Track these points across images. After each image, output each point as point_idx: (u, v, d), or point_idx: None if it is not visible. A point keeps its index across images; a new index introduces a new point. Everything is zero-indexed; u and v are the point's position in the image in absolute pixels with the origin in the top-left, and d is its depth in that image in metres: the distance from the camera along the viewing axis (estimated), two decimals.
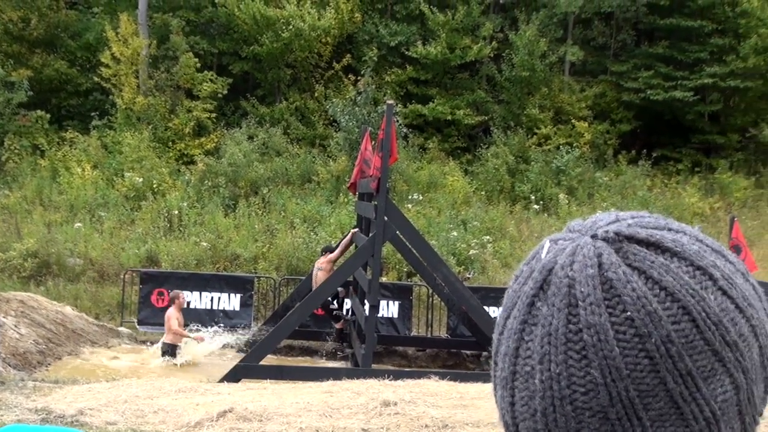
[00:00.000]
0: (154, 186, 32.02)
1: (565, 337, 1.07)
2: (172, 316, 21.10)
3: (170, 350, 21.09)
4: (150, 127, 35.16)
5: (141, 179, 32.09)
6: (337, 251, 22.52)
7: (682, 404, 1.04)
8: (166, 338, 21.24)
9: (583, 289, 1.06)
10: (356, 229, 22.34)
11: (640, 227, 1.11)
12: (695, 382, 1.04)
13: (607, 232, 1.10)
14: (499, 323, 1.19)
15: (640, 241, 1.09)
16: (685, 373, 1.03)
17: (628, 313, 1.04)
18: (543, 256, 1.14)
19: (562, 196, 33.95)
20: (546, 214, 33.42)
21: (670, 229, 1.12)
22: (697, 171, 37.28)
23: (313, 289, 21.22)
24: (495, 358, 1.19)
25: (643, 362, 1.03)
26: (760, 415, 1.12)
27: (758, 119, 38.48)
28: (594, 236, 1.11)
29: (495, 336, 1.20)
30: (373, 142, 21.99)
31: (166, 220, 30.19)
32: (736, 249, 23.15)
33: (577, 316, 1.06)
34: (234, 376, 17.68)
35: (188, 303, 24.27)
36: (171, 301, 21.88)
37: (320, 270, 22.19)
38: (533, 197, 34.09)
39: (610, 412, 1.04)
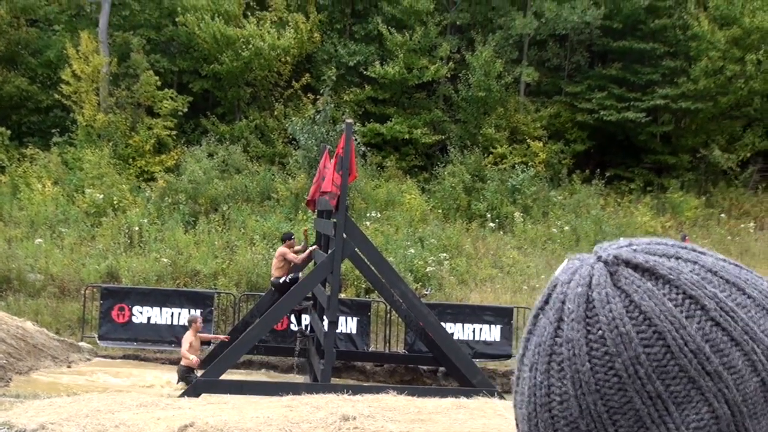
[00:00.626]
0: (115, 202, 31.87)
1: (550, 348, 1.11)
2: (186, 339, 20.80)
3: (187, 373, 20.81)
4: (110, 144, 35.01)
5: (102, 196, 31.92)
6: (296, 258, 22.36)
7: (649, 425, 1.05)
8: (182, 362, 20.95)
9: (570, 306, 1.11)
10: (314, 247, 22.32)
11: (643, 253, 1.13)
12: (665, 406, 1.05)
13: (609, 254, 1.13)
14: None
15: (635, 266, 1.11)
16: (654, 395, 1.05)
17: (601, 332, 1.07)
18: (557, 272, 1.18)
19: (517, 214, 34.14)
20: (502, 232, 33.58)
21: (678, 258, 1.12)
22: (649, 190, 37.63)
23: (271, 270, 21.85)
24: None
25: (612, 380, 1.06)
26: None
27: (708, 140, 38.82)
28: (599, 258, 1.14)
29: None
30: (331, 160, 22.10)
31: (127, 236, 30.06)
32: None
33: (561, 330, 1.11)
34: (194, 390, 17.66)
35: (148, 318, 24.27)
36: (189, 324, 21.47)
37: (276, 258, 22.29)
38: (489, 215, 34.23)
39: (581, 424, 1.07)
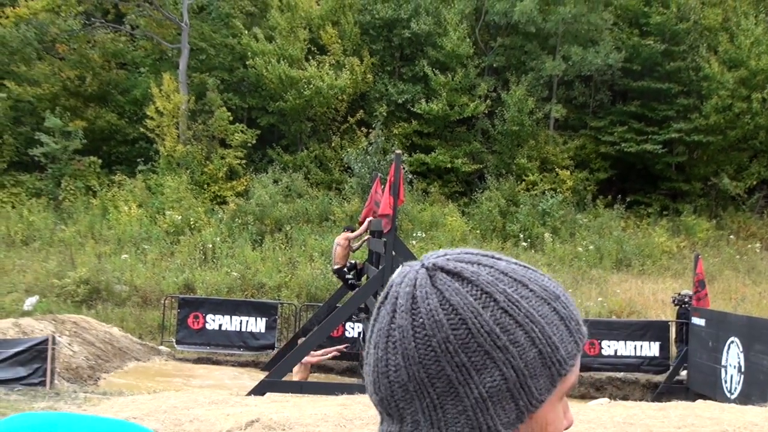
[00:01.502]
0: (191, 223, 32.03)
1: (387, 332, 1.33)
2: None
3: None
4: (188, 171, 35.26)
5: (180, 217, 32.11)
6: (356, 232, 22.30)
7: (457, 386, 1.28)
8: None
9: (401, 301, 1.32)
10: (371, 218, 21.93)
11: (454, 260, 1.34)
12: (468, 372, 1.27)
13: (430, 263, 1.35)
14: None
15: (447, 271, 1.32)
16: (460, 364, 1.27)
17: (422, 320, 1.29)
18: (393, 275, 1.39)
19: (547, 235, 33.91)
20: (533, 251, 33.35)
21: (476, 263, 1.34)
22: (665, 214, 37.25)
23: (333, 260, 22.18)
24: None
25: (430, 354, 1.28)
26: (539, 400, 1.30)
27: (718, 170, 38.41)
28: (423, 265, 1.35)
29: None
30: (382, 186, 22.01)
31: (202, 252, 30.16)
32: (701, 284, 23.04)
33: (395, 319, 1.32)
34: (260, 390, 17.59)
35: (220, 325, 24.31)
36: None
37: (338, 245, 22.14)
38: (522, 236, 34.04)
39: (409, 386, 1.30)
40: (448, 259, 1.34)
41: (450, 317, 1.28)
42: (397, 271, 1.39)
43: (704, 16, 39.31)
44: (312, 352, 20.64)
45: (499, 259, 1.37)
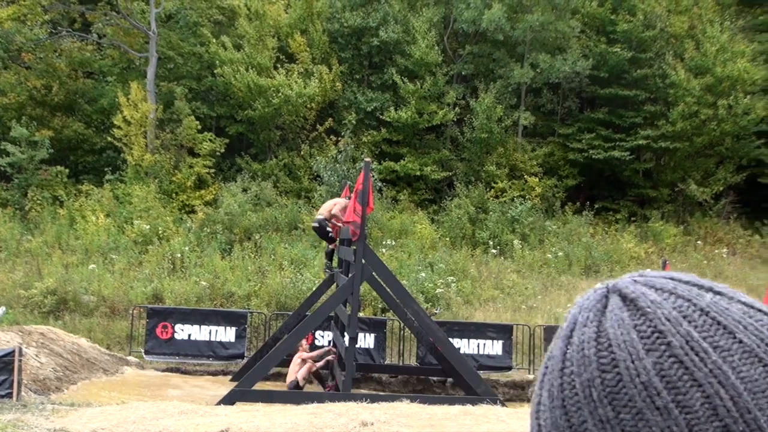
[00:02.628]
0: (160, 232, 31.88)
1: (545, 362, 1.06)
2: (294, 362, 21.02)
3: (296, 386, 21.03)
4: (156, 180, 35.14)
5: (148, 226, 31.97)
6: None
7: None
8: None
9: (563, 324, 1.06)
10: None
11: (641, 284, 1.03)
12: (613, 431, 0.96)
13: (615, 284, 1.05)
14: None
15: (623, 296, 1.02)
16: (605, 419, 0.96)
17: (572, 352, 1.01)
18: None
19: (516, 241, 34.03)
20: (503, 258, 33.46)
21: (671, 292, 1.01)
22: (633, 220, 37.49)
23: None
24: None
25: (574, 398, 0.99)
26: None
27: (685, 176, 38.69)
28: (607, 285, 1.07)
29: None
30: (350, 194, 22.03)
31: (170, 262, 30.03)
32: None
33: (554, 347, 1.06)
34: (230, 399, 17.54)
35: (189, 335, 24.21)
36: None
37: (336, 204, 22.22)
38: (491, 243, 34.14)
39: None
40: (635, 281, 1.05)
41: (601, 355, 0.99)
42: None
43: (670, 24, 39.64)
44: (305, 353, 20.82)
45: (716, 293, 1.03)
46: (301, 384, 21.12)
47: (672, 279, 1.04)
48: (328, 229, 22.10)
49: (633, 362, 0.96)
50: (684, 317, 0.98)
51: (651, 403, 0.94)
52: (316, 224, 22.29)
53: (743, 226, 37.84)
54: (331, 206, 22.21)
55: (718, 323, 0.98)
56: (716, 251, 35.30)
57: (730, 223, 37.85)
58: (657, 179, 39.57)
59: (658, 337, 0.97)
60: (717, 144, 38.87)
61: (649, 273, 1.07)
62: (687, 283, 1.04)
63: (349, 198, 20.75)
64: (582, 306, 1.05)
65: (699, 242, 36.09)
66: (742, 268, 33.69)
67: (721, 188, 38.38)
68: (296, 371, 21.33)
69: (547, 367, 1.05)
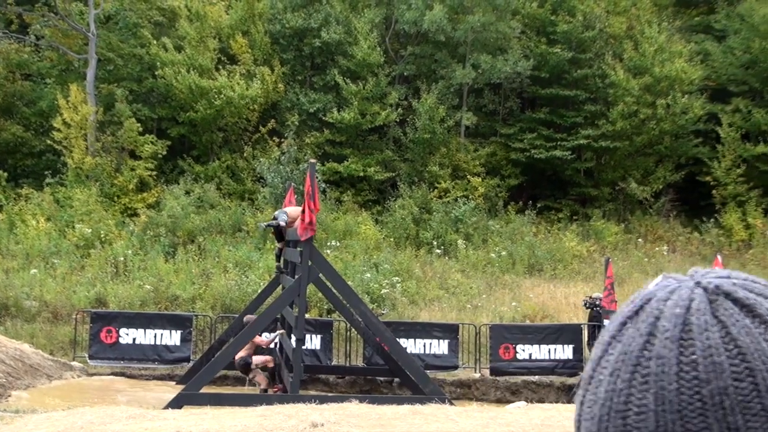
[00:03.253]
0: (102, 236, 31.58)
1: (636, 359, 1.03)
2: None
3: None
4: (97, 183, 34.82)
5: (90, 230, 31.66)
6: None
7: None
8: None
9: (666, 324, 1.03)
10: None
11: (743, 288, 1.05)
12: None
13: (710, 283, 1.06)
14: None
15: (735, 300, 1.03)
16: (734, 428, 0.97)
17: (695, 357, 1.00)
18: (651, 286, 1.11)
19: (460, 241, 34.22)
20: (447, 257, 33.64)
21: None
22: (575, 219, 37.88)
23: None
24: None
25: (696, 404, 0.98)
26: None
27: (626, 174, 39.16)
28: (698, 283, 1.06)
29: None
30: (296, 196, 22.04)
31: (113, 266, 29.78)
32: (612, 286, 23.63)
33: (652, 345, 1.03)
34: (177, 403, 17.43)
35: (134, 339, 24.01)
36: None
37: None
38: (435, 243, 34.29)
39: None
40: (734, 284, 1.06)
41: (734, 363, 0.99)
42: (657, 282, 1.12)
43: (609, 25, 40.15)
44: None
45: None
46: (252, 365, 21.06)
47: (755, 282, 1.08)
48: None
49: None
50: None
51: None
52: (282, 224, 21.83)
53: (683, 224, 38.39)
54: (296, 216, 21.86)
55: None
56: (657, 249, 35.79)
57: (669, 221, 38.39)
58: (598, 178, 40.03)
59: None
60: (656, 143, 39.42)
61: (720, 272, 1.09)
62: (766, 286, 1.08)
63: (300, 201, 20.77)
64: (687, 306, 1.04)
65: (640, 240, 36.57)
66: (682, 265, 34.13)
67: (661, 186, 38.90)
68: (247, 350, 21.27)
69: (644, 368, 1.03)
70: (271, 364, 21.80)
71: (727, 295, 1.03)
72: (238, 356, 20.83)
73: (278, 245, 22.79)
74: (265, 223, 23.40)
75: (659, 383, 1.01)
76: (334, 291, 19.77)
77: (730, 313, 1.02)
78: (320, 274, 19.28)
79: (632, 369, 1.03)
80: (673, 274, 1.13)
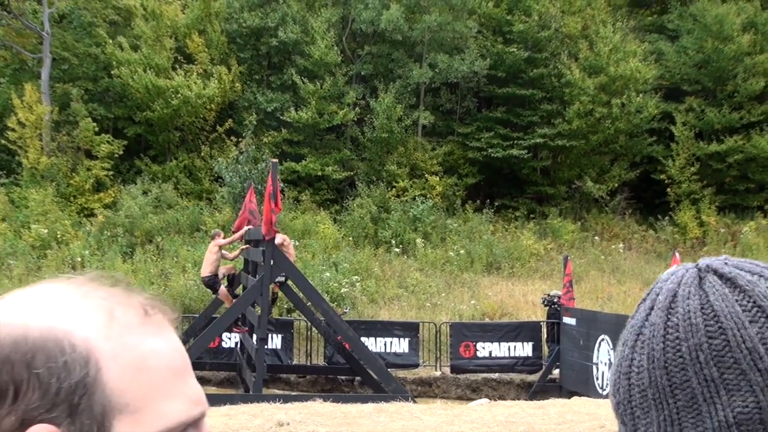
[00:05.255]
0: (59, 236, 31.34)
1: (639, 329, 1.22)
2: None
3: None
4: (53, 184, 34.48)
5: (46, 230, 31.41)
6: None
7: (701, 403, 1.13)
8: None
9: (660, 297, 1.21)
10: (248, 226, 21.78)
11: (731, 266, 1.21)
12: (717, 389, 1.13)
13: (706, 265, 1.23)
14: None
15: (720, 275, 1.19)
16: (709, 379, 1.13)
17: (676, 320, 1.17)
18: (664, 274, 1.27)
19: (418, 240, 34.32)
20: (405, 256, 33.73)
21: (760, 275, 1.20)
22: (532, 217, 38.11)
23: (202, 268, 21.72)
24: None
25: (678, 360, 1.15)
26: None
27: (582, 173, 39.44)
28: (697, 265, 1.24)
29: None
30: (257, 196, 22.01)
31: (70, 266, 29.55)
32: (571, 284, 23.82)
33: (650, 316, 1.21)
34: None
35: None
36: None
37: (209, 252, 21.81)
38: (394, 242, 34.36)
39: (649, 392, 1.17)
40: (725, 264, 1.22)
41: (708, 323, 1.15)
42: (669, 270, 1.28)
43: (564, 24, 40.42)
44: None
45: None
46: (220, 276, 21.30)
47: (750, 263, 1.23)
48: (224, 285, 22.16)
49: (738, 330, 1.14)
50: None
51: (754, 366, 1.12)
52: (203, 281, 22.22)
53: (638, 222, 38.80)
54: (209, 255, 21.84)
55: None
56: (613, 246, 36.11)
57: (625, 219, 38.77)
58: (554, 177, 40.29)
59: (758, 311, 1.15)
60: (611, 142, 39.75)
61: (722, 257, 1.25)
62: (764, 267, 1.22)
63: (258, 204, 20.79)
64: (679, 282, 1.21)
65: (596, 238, 36.89)
66: (637, 263, 34.56)
67: (616, 185, 39.26)
68: (212, 262, 21.26)
69: (642, 335, 1.21)
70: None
71: (715, 272, 1.20)
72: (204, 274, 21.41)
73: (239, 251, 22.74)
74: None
75: (650, 345, 1.18)
76: (295, 290, 19.79)
77: (712, 284, 1.19)
78: (283, 274, 19.29)
79: (635, 337, 1.22)
80: (686, 263, 1.27)
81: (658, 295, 1.22)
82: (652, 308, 1.22)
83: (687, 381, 1.15)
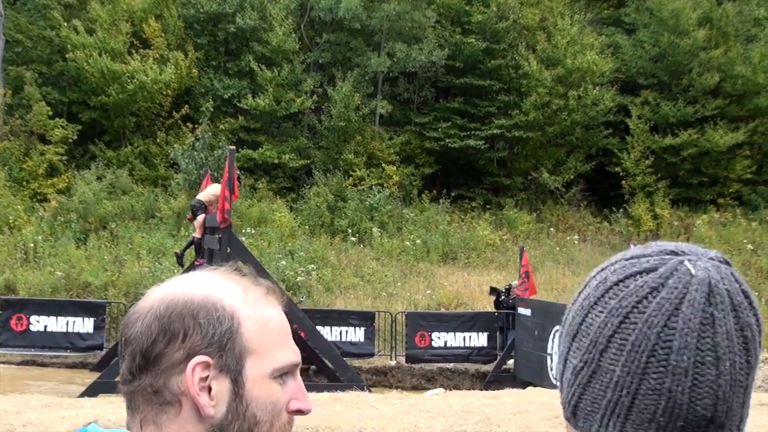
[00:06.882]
0: (11, 221, 30.94)
1: (735, 334, 1.26)
2: None
3: None
4: (6, 168, 34.02)
5: None
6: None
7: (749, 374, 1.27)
8: None
9: (737, 299, 1.26)
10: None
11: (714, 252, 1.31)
12: (755, 361, 1.27)
13: (718, 257, 1.29)
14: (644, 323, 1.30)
15: (728, 263, 1.28)
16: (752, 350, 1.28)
17: (758, 315, 1.28)
18: (694, 272, 1.25)
19: (375, 229, 34.34)
20: (362, 245, 33.72)
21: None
22: (488, 208, 38.25)
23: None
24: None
25: (759, 350, 1.28)
26: None
27: (538, 164, 39.67)
28: (712, 259, 1.28)
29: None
30: (213, 183, 21.87)
31: (23, 252, 29.21)
32: (526, 275, 23.91)
33: (739, 319, 1.25)
34: (93, 391, 17.22)
35: (45, 326, 23.57)
36: None
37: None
38: (350, 231, 34.35)
39: (749, 387, 1.28)
40: (717, 254, 1.31)
41: (751, 305, 1.28)
42: (689, 267, 1.26)
43: (523, 16, 40.56)
44: None
45: None
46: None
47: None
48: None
49: (753, 304, 1.29)
50: None
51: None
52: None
53: (593, 214, 39.10)
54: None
55: None
56: (568, 238, 36.34)
57: (580, 211, 39.05)
58: (511, 168, 40.46)
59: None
60: (568, 134, 40.01)
61: (683, 244, 1.34)
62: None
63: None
64: (727, 279, 1.27)
65: (552, 229, 37.11)
66: (592, 254, 34.74)
67: (572, 177, 39.51)
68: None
69: (738, 338, 1.25)
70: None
71: (727, 262, 1.30)
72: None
73: (194, 235, 22.56)
74: (180, 250, 23.58)
75: (754, 344, 1.29)
76: None
77: (738, 276, 1.30)
78: (239, 262, 19.18)
79: (727, 343, 1.25)
80: (684, 257, 1.30)
81: (730, 297, 1.25)
82: (736, 310, 1.25)
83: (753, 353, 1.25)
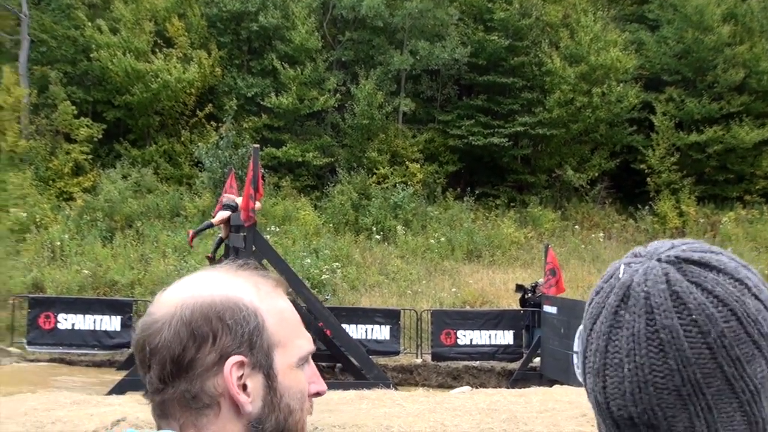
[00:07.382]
0: (38, 220, 31.16)
1: (645, 336, 1.28)
2: None
3: None
4: (32, 167, 34.25)
5: (25, 214, 31.22)
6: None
7: (733, 382, 1.26)
8: None
9: (657, 300, 1.28)
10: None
11: (691, 251, 1.32)
12: (742, 365, 1.26)
13: (668, 256, 1.32)
14: (586, 327, 1.40)
15: (694, 262, 1.30)
16: (735, 358, 1.26)
17: (693, 317, 1.26)
18: (621, 276, 1.34)
19: (399, 227, 34.35)
20: (386, 243, 33.73)
21: (712, 252, 1.34)
22: (512, 206, 38.21)
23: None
24: (585, 354, 1.40)
25: (705, 352, 1.25)
26: None
27: (562, 162, 39.57)
28: (659, 260, 1.32)
29: (583, 338, 1.41)
30: (237, 182, 21.94)
31: (50, 250, 29.40)
32: (552, 272, 23.80)
33: (653, 320, 1.28)
34: (120, 389, 17.30)
35: (72, 325, 23.69)
36: None
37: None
38: (375, 229, 34.37)
39: (682, 390, 1.26)
40: (684, 251, 1.33)
41: (720, 310, 1.26)
42: (623, 269, 1.35)
43: (546, 13, 40.49)
44: None
45: (717, 248, 1.37)
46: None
47: (690, 243, 1.37)
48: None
49: (741, 307, 1.28)
50: (738, 267, 1.33)
51: (759, 333, 1.29)
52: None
53: (618, 211, 38.97)
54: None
55: (745, 267, 1.35)
56: (593, 235, 36.23)
57: (605, 208, 38.92)
58: (535, 165, 40.39)
59: (740, 285, 1.31)
60: (592, 131, 39.88)
61: (667, 244, 1.38)
62: (698, 243, 1.38)
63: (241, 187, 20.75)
64: (650, 281, 1.30)
65: (576, 227, 37.01)
66: (618, 252, 34.57)
67: (596, 174, 39.39)
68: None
69: (651, 340, 1.29)
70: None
71: (687, 261, 1.31)
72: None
73: (221, 235, 22.66)
74: (194, 230, 23.67)
75: (674, 347, 1.27)
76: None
77: (698, 273, 1.30)
78: (264, 260, 19.24)
79: (646, 344, 1.29)
80: (626, 259, 1.39)
81: (647, 298, 1.29)
82: (649, 312, 1.29)
83: (718, 367, 1.26)
